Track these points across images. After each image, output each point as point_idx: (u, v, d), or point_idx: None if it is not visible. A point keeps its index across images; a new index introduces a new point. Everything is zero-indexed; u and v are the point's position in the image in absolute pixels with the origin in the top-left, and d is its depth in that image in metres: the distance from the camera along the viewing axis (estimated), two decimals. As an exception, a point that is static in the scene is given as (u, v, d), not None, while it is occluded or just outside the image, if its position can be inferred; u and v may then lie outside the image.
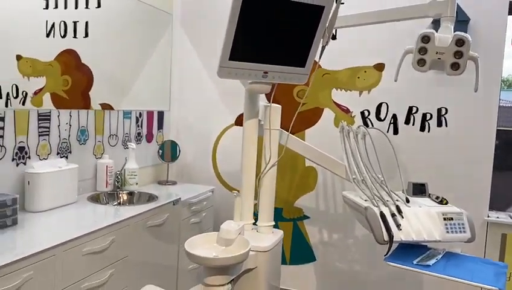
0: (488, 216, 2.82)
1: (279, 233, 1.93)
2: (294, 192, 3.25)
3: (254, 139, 1.87)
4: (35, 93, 2.38)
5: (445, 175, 2.87)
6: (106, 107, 2.81)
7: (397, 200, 2.16)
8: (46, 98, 2.43)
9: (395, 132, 2.98)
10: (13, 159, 2.08)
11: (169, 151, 3.22)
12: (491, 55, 2.74)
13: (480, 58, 2.74)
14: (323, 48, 1.74)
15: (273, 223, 1.93)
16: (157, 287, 1.44)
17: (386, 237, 1.91)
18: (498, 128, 2.88)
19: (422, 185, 2.29)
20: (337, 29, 3.05)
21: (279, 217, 3.28)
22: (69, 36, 2.57)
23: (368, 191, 2.19)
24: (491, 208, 2.87)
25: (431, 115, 2.90)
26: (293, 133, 3.22)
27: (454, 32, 1.80)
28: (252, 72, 1.62)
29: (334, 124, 3.09)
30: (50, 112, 2.31)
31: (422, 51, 1.80)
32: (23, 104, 2.29)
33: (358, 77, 3.03)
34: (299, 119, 3.17)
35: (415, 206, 2.09)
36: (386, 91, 2.97)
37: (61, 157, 2.37)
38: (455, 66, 1.77)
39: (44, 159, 2.25)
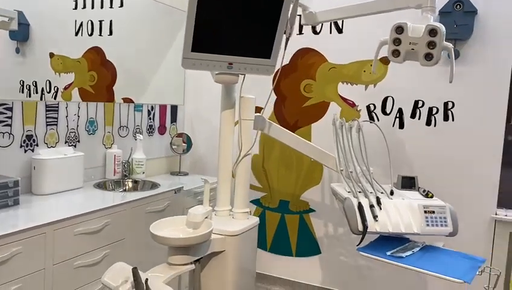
0: (496, 214, 2.72)
1: (254, 219, 1.99)
2: (300, 185, 3.28)
3: (230, 129, 1.94)
4: (65, 88, 2.62)
5: (451, 171, 2.80)
6: (127, 101, 3.03)
7: (382, 193, 2.16)
8: (75, 92, 2.67)
9: (401, 126, 2.94)
10: (21, 146, 2.28)
11: (182, 144, 3.37)
12: (501, 46, 2.64)
13: (489, 49, 2.67)
14: (287, 39, 1.78)
15: (248, 209, 2.00)
16: (126, 264, 1.55)
17: (360, 227, 1.92)
18: (510, 123, 2.77)
19: (412, 178, 2.27)
20: (344, 23, 3.06)
21: (286, 210, 3.33)
22: (95, 34, 2.78)
23: (354, 183, 2.20)
24: (500, 205, 2.77)
25: (437, 109, 2.83)
26: (299, 127, 3.31)
27: (428, 23, 1.78)
28: (216, 64, 1.70)
29: (340, 118, 3.08)
30: (58, 104, 2.50)
31: (396, 41, 1.80)
32: (55, 98, 2.55)
33: (364, 71, 3.01)
34: (305, 114, 3.22)
35: (398, 199, 2.08)
36: (391, 85, 2.94)
37: (69, 145, 2.56)
38: (428, 57, 1.75)
39: (52, 147, 2.45)
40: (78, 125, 2.63)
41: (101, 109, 2.78)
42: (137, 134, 2.98)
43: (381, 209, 1.99)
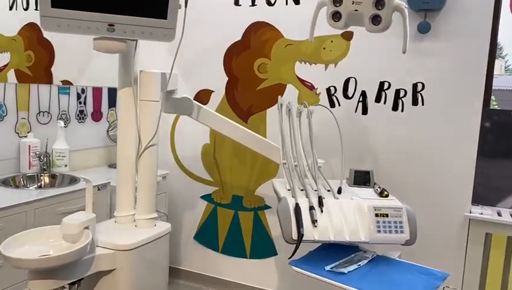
0: (471, 212, 2.36)
1: (163, 227, 1.60)
2: (255, 179, 2.90)
3: (130, 114, 1.55)
4: (0, 70, 2.35)
5: (421, 162, 2.44)
6: (66, 83, 2.71)
7: (328, 190, 1.78)
8: (11, 74, 2.40)
9: (364, 111, 2.56)
10: None
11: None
12: (478, 18, 2.26)
13: (465, 21, 2.29)
14: None
15: (155, 215, 1.61)
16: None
17: (294, 235, 1.55)
18: (491, 108, 2.41)
19: (367, 173, 1.90)
20: (301, -7, 2.65)
21: (239, 206, 2.96)
22: (31, 8, 2.48)
23: (297, 179, 1.83)
24: (475, 202, 2.41)
25: (405, 92, 2.45)
26: (253, 113, 2.92)
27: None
28: (91, 25, 1.29)
29: (298, 102, 2.70)
30: None
31: (336, 1, 1.40)
32: None
33: (324, 48, 2.62)
34: (260, 98, 2.83)
35: (346, 199, 1.70)
36: (354, 64, 2.55)
37: (-34, 134, 2.15)
38: (376, 20, 1.37)
39: None
40: (-22, 110, 2.21)
41: (11, 91, 2.37)
42: (58, 120, 2.56)
43: (322, 211, 1.61)
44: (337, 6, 1.41)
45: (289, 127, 2.01)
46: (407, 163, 2.47)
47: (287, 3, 2.69)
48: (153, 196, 1.60)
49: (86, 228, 1.32)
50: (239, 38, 2.82)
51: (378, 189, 1.80)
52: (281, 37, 2.72)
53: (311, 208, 1.61)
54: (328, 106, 2.62)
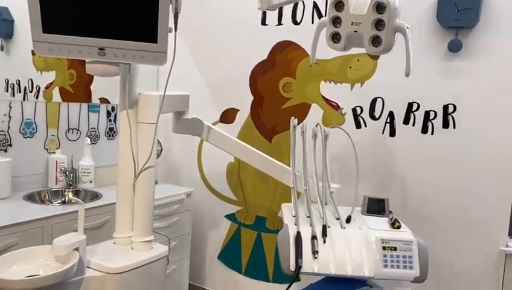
0: (507, 246, 2.15)
1: (158, 251, 1.57)
2: (278, 200, 2.84)
3: (128, 134, 1.55)
4: (47, 87, 2.52)
5: (452, 190, 2.27)
6: (104, 101, 2.84)
7: (337, 218, 1.69)
8: (56, 92, 2.56)
9: (392, 133, 2.43)
10: None
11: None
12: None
13: (499, 39, 2.10)
14: (175, 15, 1.36)
15: (151, 237, 1.59)
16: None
17: (292, 266, 1.47)
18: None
19: (381, 201, 1.78)
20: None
21: (263, 227, 2.90)
22: None
23: (306, 204, 1.76)
24: (514, 235, 2.20)
25: (435, 114, 2.31)
26: (278, 133, 2.86)
27: None
28: (82, 49, 1.31)
29: (323, 122, 2.62)
30: (-20, 103, 2.22)
31: (336, 21, 1.33)
32: (37, 97, 2.45)
33: (350, 67, 2.53)
34: (284, 117, 2.77)
35: (354, 228, 1.60)
36: (381, 84, 2.44)
37: (-4, 149, 2.27)
38: (376, 41, 1.28)
39: (-28, 151, 2.17)
40: (9, 127, 2.33)
41: (41, 109, 2.48)
42: (85, 137, 2.65)
43: (325, 242, 1.52)
44: (336, 27, 1.34)
45: (304, 149, 1.94)
46: (436, 190, 2.30)
47: (312, 22, 2.63)
48: (149, 218, 1.58)
49: (76, 249, 1.33)
50: (265, 57, 2.80)
51: (391, 219, 1.68)
52: (306, 56, 2.66)
53: (313, 237, 1.53)
54: (354, 127, 2.52)
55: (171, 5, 1.32)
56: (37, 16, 1.26)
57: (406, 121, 2.39)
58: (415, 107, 2.36)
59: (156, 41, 1.34)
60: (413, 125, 2.37)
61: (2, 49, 2.35)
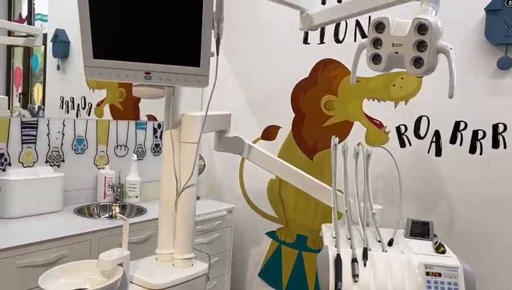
0: None
1: (199, 268, 1.59)
2: (320, 219, 2.81)
3: (171, 154, 1.60)
4: (98, 104, 2.69)
5: (502, 214, 2.16)
6: (151, 118, 2.97)
7: (379, 241, 1.66)
8: (106, 109, 2.72)
9: (438, 153, 2.36)
10: (-10, 166, 2.16)
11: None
12: None
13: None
14: (217, 41, 1.40)
15: (192, 255, 1.61)
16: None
17: (331, 289, 1.45)
18: None
19: (425, 223, 1.73)
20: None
21: (304, 246, 2.88)
22: None
23: (346, 226, 1.73)
24: None
25: (484, 133, 2.22)
26: (319, 150, 2.84)
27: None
28: (129, 73, 1.37)
29: (366, 140, 2.59)
30: (37, 121, 2.35)
31: (377, 43, 1.33)
32: (89, 114, 2.62)
33: (394, 85, 2.49)
34: (325, 135, 2.76)
35: (395, 252, 1.56)
36: (426, 102, 2.38)
37: (51, 165, 2.40)
38: (418, 62, 1.26)
39: (29, 166, 2.30)
40: (62, 144, 2.46)
41: (92, 126, 2.60)
42: (133, 154, 2.75)
43: (365, 265, 1.50)
44: (377, 48, 1.33)
45: (346, 168, 1.92)
46: (485, 213, 2.20)
47: (355, 40, 2.62)
48: (190, 236, 1.62)
49: (120, 264, 1.38)
50: (306, 75, 2.81)
51: (436, 243, 1.62)
52: (348, 73, 2.64)
53: (354, 260, 1.50)
54: (398, 145, 2.47)
55: (213, 31, 1.37)
56: (88, 43, 1.35)
57: (452, 141, 2.31)
58: (462, 126, 2.28)
59: (198, 65, 1.39)
60: (461, 145, 2.29)
61: (58, 69, 2.51)
